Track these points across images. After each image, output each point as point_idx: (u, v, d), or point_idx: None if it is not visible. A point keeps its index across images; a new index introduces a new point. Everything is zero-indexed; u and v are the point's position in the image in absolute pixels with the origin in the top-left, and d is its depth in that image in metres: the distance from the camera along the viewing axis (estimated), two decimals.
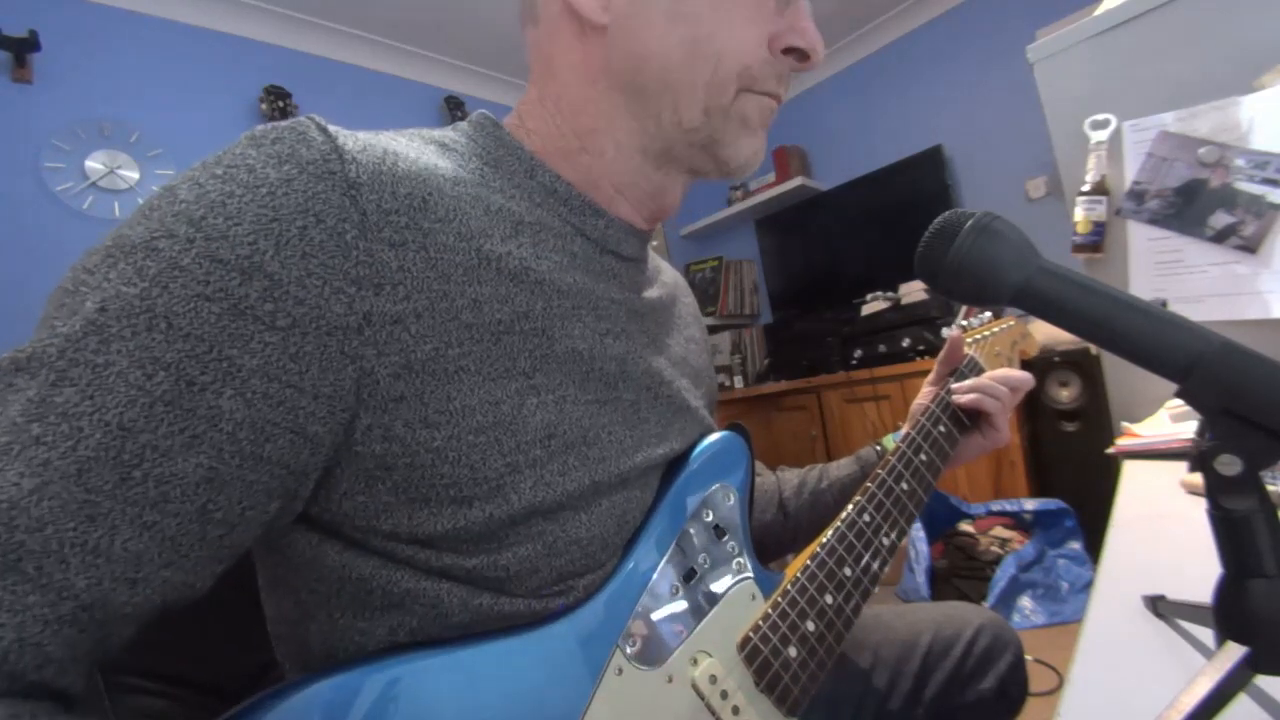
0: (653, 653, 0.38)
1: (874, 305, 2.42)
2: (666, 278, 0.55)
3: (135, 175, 1.90)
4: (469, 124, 0.43)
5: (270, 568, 0.36)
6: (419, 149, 0.36)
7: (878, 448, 0.67)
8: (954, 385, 0.66)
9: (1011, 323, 0.82)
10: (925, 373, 2.38)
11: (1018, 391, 0.66)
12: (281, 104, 2.13)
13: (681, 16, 0.39)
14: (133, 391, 0.25)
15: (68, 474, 0.25)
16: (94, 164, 1.83)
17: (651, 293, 0.49)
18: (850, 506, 0.51)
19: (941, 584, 1.80)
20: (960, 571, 1.80)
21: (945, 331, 0.76)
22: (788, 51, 0.42)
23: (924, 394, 0.70)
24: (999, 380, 0.65)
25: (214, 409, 0.27)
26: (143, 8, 1.99)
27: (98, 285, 0.26)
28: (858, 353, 2.38)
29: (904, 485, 0.55)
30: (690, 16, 0.39)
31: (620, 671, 0.37)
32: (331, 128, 0.31)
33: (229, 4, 2.13)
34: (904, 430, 0.68)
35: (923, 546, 1.81)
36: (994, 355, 0.76)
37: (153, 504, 0.26)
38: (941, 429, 0.62)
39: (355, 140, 0.32)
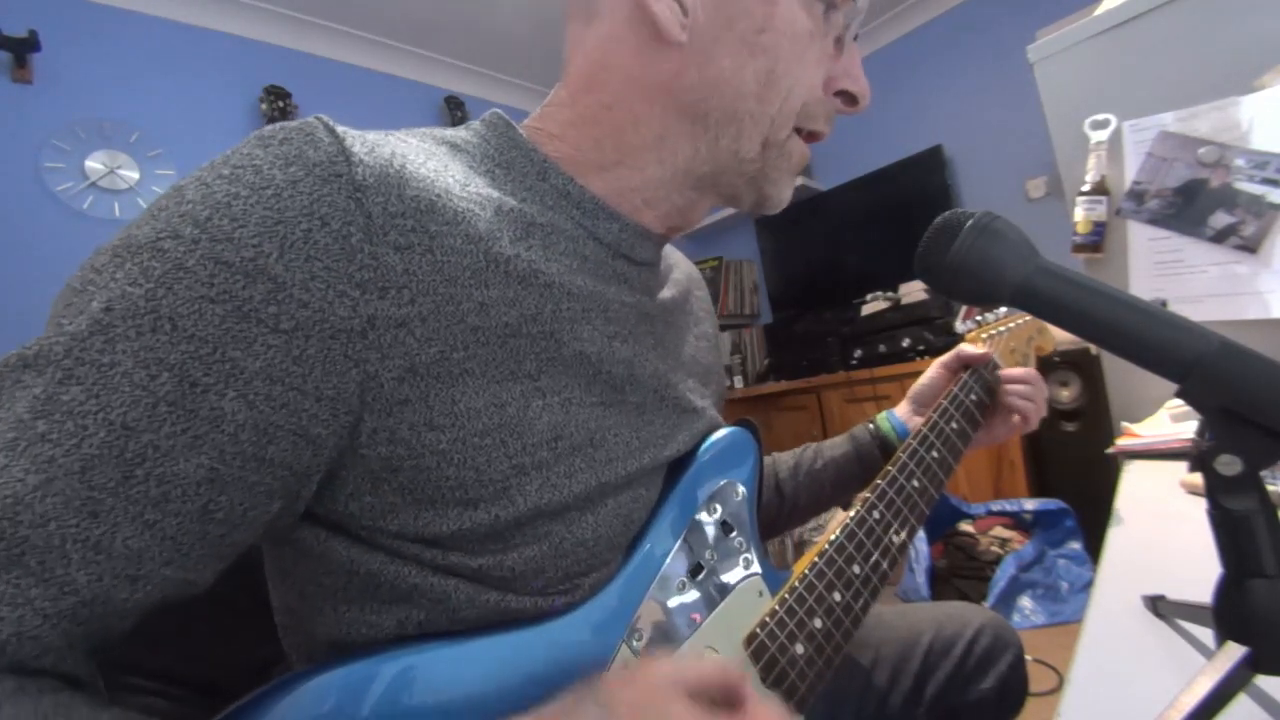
0: (660, 646, 0.39)
1: (874, 305, 2.42)
2: (679, 274, 0.55)
3: (135, 175, 1.90)
4: (482, 124, 0.42)
5: (277, 560, 0.36)
6: (429, 150, 0.36)
7: (871, 426, 0.67)
8: (1012, 374, 0.67)
9: (1028, 318, 0.80)
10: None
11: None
12: (281, 104, 2.13)
13: (762, 48, 0.39)
14: (137, 391, 0.26)
15: (71, 471, 0.25)
16: (94, 164, 1.83)
17: (664, 294, 0.49)
18: (859, 504, 0.51)
19: (941, 584, 1.80)
20: (960, 571, 1.80)
21: (959, 327, 0.75)
22: (838, 94, 0.43)
23: (932, 376, 0.68)
24: (1043, 389, 0.67)
25: (216, 410, 0.27)
26: (143, 8, 1.99)
27: (104, 285, 0.27)
28: (858, 353, 2.38)
29: (915, 483, 0.54)
30: (770, 49, 0.39)
31: (628, 665, 0.37)
32: (340, 128, 0.31)
33: (229, 4, 2.13)
34: (900, 411, 0.67)
35: (923, 546, 1.81)
36: (1009, 352, 0.74)
37: (154, 503, 0.26)
38: (954, 426, 0.61)
39: (363, 142, 0.31)
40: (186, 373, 0.26)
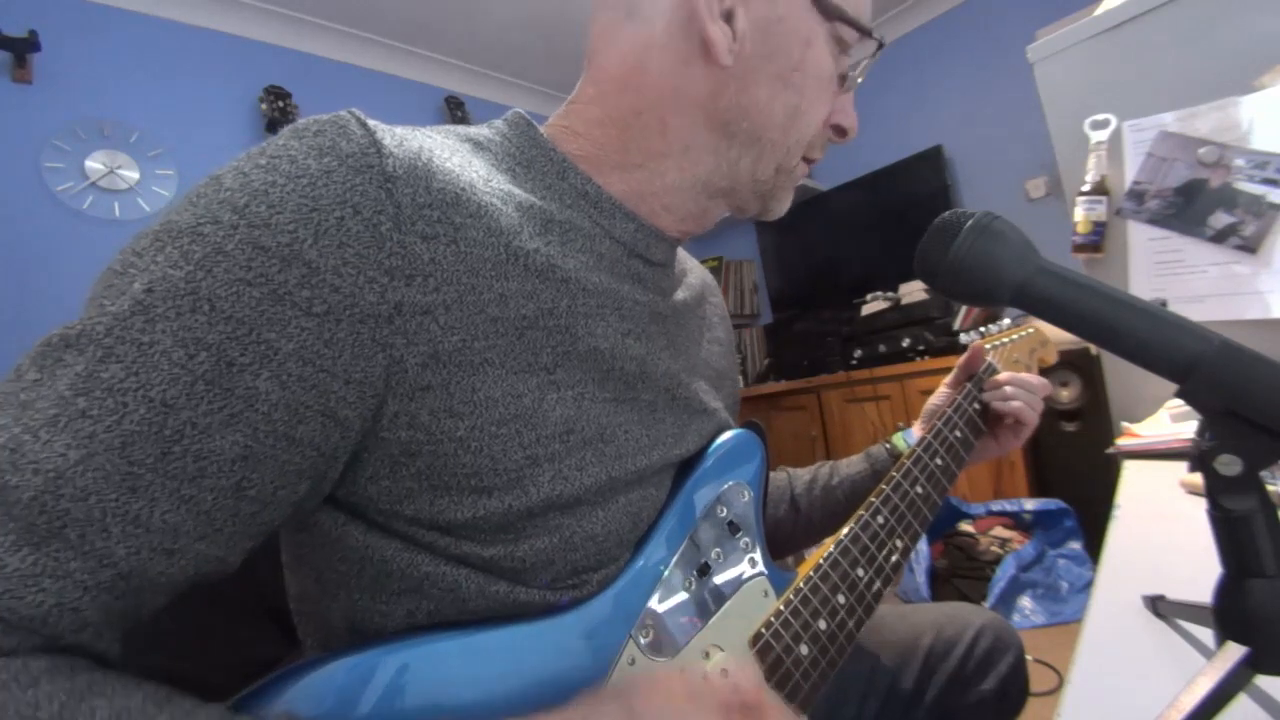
0: (665, 644, 0.39)
1: (874, 305, 2.42)
2: (694, 279, 0.55)
3: (135, 175, 1.90)
4: (504, 123, 0.43)
5: (295, 546, 0.37)
6: (454, 146, 0.37)
7: (887, 446, 0.67)
8: (995, 380, 0.67)
9: (1030, 330, 0.81)
10: (925, 373, 2.35)
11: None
12: (281, 104, 2.13)
13: (793, 84, 0.42)
14: (176, 370, 0.27)
15: (112, 447, 0.26)
16: (94, 164, 1.83)
17: (678, 295, 0.49)
18: (864, 508, 0.51)
19: (941, 584, 1.80)
20: (960, 571, 1.80)
21: (964, 338, 0.75)
22: (832, 126, 0.48)
23: (940, 395, 0.70)
24: (1033, 388, 0.66)
25: (251, 389, 0.28)
26: (143, 8, 1.99)
27: (146, 267, 0.28)
28: (858, 353, 2.38)
29: (918, 489, 0.55)
30: (799, 86, 0.43)
31: (633, 661, 0.37)
32: (371, 122, 0.32)
33: (229, 4, 2.13)
34: (915, 431, 0.68)
35: (923, 546, 1.81)
36: (1012, 362, 0.75)
37: (191, 478, 0.27)
38: (958, 434, 0.62)
39: (393, 135, 0.32)
40: (224, 352, 0.27)
